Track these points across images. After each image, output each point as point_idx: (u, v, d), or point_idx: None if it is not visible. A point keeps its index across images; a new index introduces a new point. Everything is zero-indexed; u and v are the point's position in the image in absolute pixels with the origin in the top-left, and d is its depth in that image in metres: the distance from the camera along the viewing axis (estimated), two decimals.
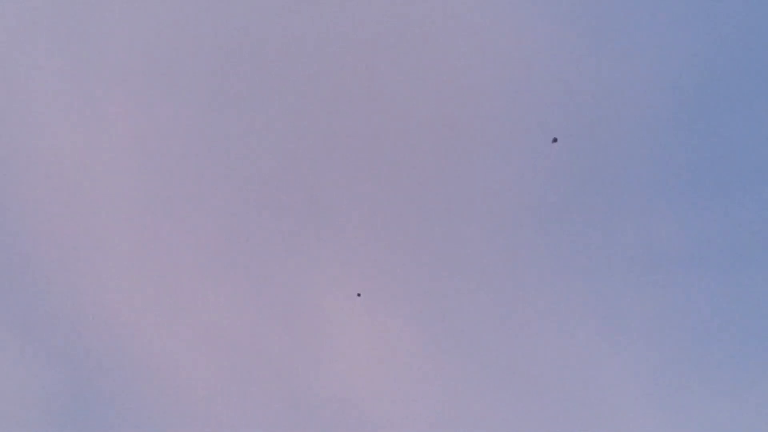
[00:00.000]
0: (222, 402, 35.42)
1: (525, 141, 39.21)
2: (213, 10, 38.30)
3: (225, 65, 38.64)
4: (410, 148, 39.07)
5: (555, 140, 35.75)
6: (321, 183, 39.02)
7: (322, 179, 38.97)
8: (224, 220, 38.30)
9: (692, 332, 36.97)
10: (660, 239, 38.29)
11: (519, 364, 36.66)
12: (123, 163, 39.02)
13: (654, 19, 38.55)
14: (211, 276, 38.14)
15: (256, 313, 37.95)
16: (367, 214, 38.98)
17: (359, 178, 39.32)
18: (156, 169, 39.34)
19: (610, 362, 36.98)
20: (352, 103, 39.19)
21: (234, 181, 39.11)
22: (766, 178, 38.15)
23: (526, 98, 39.06)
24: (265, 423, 35.34)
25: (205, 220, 38.61)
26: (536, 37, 38.54)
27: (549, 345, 36.89)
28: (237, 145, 39.71)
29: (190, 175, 39.52)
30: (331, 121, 39.10)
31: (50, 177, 38.81)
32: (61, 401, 35.54)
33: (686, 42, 38.77)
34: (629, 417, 35.98)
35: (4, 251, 37.50)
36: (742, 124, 39.23)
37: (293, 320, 37.67)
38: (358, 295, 35.94)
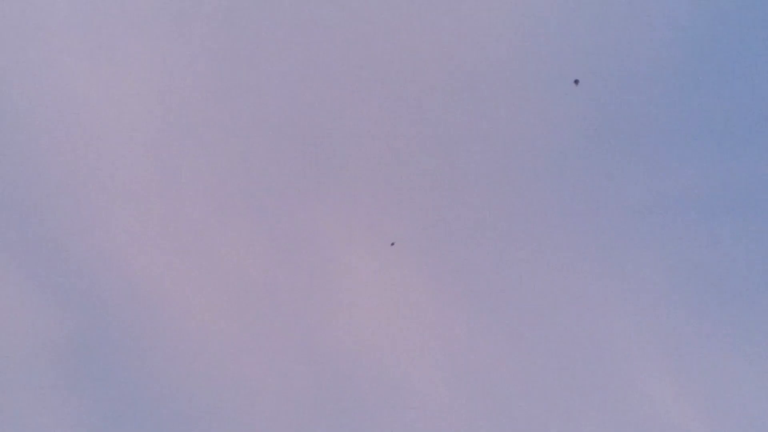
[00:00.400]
0: (232, 350, 35.57)
1: (542, 87, 38.64)
2: None
3: (237, 10, 38.06)
4: (426, 94, 38.52)
5: (576, 82, 35.12)
6: (339, 128, 38.64)
7: (341, 123, 38.60)
8: (241, 164, 38.04)
9: (703, 282, 36.85)
10: (673, 187, 37.92)
11: (531, 315, 36.72)
12: (133, 103, 38.64)
13: None
14: (226, 221, 38.03)
15: (270, 260, 37.91)
16: (383, 163, 38.63)
17: (377, 125, 38.89)
18: (167, 108, 38.99)
19: (621, 313, 36.98)
20: (368, 46, 38.62)
21: (249, 123, 38.77)
22: None
23: (542, 42, 38.37)
24: (277, 371, 35.52)
25: (219, 163, 38.35)
26: None
27: (560, 296, 36.84)
28: (251, 85, 39.28)
29: (202, 115, 39.18)
30: (350, 62, 38.52)
31: (58, 117, 38.52)
32: (68, 343, 35.72)
33: None
34: (637, 367, 36.05)
35: (11, 190, 37.35)
36: (758, 72, 38.54)
37: (307, 268, 37.62)
38: (392, 244, 35.80)
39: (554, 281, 36.77)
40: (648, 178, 37.86)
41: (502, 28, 38.27)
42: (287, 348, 36.13)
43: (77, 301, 36.17)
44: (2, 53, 37.60)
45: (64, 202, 37.36)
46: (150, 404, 34.70)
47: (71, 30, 38.36)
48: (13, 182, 37.31)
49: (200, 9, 37.27)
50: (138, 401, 35.00)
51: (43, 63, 38.51)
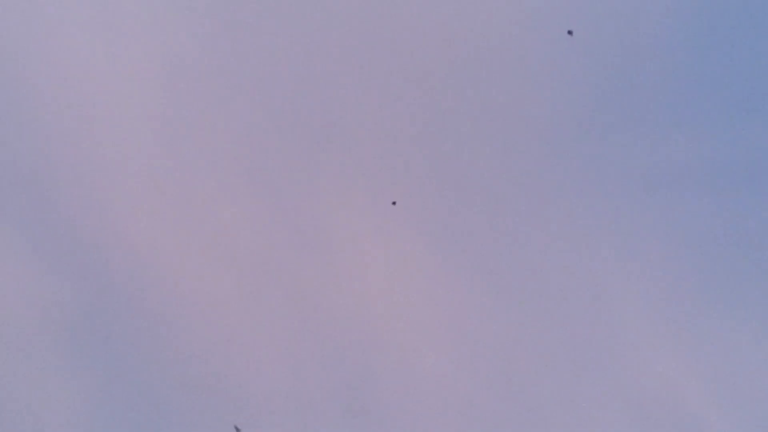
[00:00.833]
0: (232, 316, 35.38)
1: (544, 62, 38.37)
2: None
3: None
4: (424, 58, 38.22)
5: (570, 33, 34.59)
6: (336, 94, 38.30)
7: (340, 82, 38.27)
8: (238, 124, 37.66)
9: (706, 255, 36.90)
10: (676, 158, 37.87)
11: (534, 287, 36.60)
12: (135, 78, 38.19)
13: None
14: (226, 186, 37.66)
15: (271, 227, 37.61)
16: (384, 127, 38.35)
17: (376, 92, 38.55)
18: (171, 83, 38.57)
19: (626, 288, 36.95)
20: (368, 21, 38.29)
21: (246, 88, 38.37)
22: None
23: (543, 14, 38.15)
24: (278, 340, 35.38)
25: (219, 130, 37.97)
26: None
27: (561, 267, 36.76)
28: (252, 59, 38.91)
29: (205, 89, 38.82)
30: (350, 29, 38.12)
31: (60, 90, 38.11)
32: (71, 314, 35.50)
33: None
34: (643, 343, 36.16)
35: (11, 161, 37.02)
36: (764, 46, 38.43)
37: (305, 228, 37.29)
38: (393, 203, 35.24)
39: (558, 254, 36.64)
40: (652, 152, 37.74)
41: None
42: (286, 313, 35.92)
43: (77, 271, 35.83)
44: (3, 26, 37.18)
45: (65, 173, 36.92)
46: (151, 375, 34.54)
47: (74, 7, 37.93)
48: (13, 153, 36.89)
49: None
50: (139, 372, 34.83)
51: (45, 38, 38.09)
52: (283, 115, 38.79)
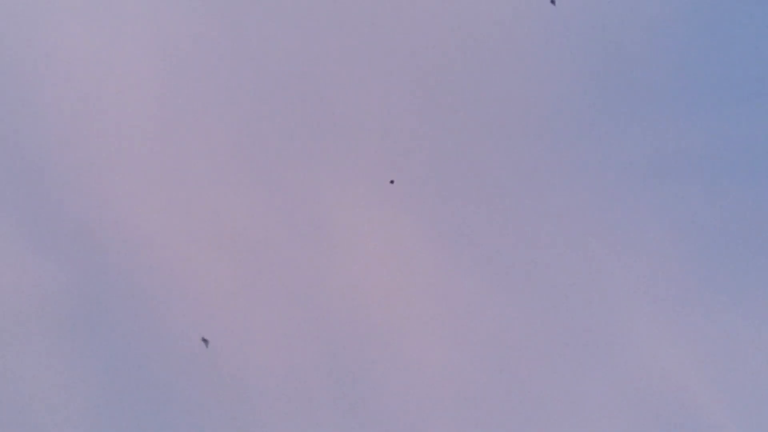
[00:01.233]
0: (228, 296, 35.32)
1: (543, 47, 38.44)
2: None
3: None
4: (422, 41, 38.25)
5: (553, 2, 34.50)
6: (333, 80, 38.34)
7: (335, 77, 38.29)
8: (236, 113, 37.67)
9: (705, 241, 36.92)
10: (674, 147, 37.92)
11: (532, 274, 36.59)
12: (130, 58, 38.18)
13: None
14: (223, 170, 37.66)
15: (268, 214, 37.60)
16: (382, 110, 38.37)
17: (373, 73, 38.56)
18: (169, 67, 38.57)
19: (622, 272, 36.96)
20: (365, 8, 38.36)
21: (243, 64, 38.37)
22: None
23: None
24: (273, 318, 35.34)
25: (214, 113, 37.97)
26: None
27: (557, 254, 36.77)
28: (250, 42, 38.93)
29: (201, 76, 38.82)
30: (347, 17, 38.19)
31: (56, 73, 38.10)
32: (66, 299, 35.41)
33: None
34: (638, 326, 36.15)
35: (6, 144, 36.94)
36: (764, 26, 38.49)
37: (302, 206, 37.27)
38: (392, 182, 35.17)
39: (557, 244, 36.69)
40: (649, 137, 37.81)
41: None
42: (283, 300, 35.89)
43: (73, 253, 35.79)
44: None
45: (61, 155, 36.92)
46: (147, 357, 34.47)
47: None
48: (9, 135, 36.85)
49: None
50: (135, 354, 34.74)
51: (41, 20, 38.09)
52: (280, 101, 38.87)
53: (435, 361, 35.12)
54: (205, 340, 32.70)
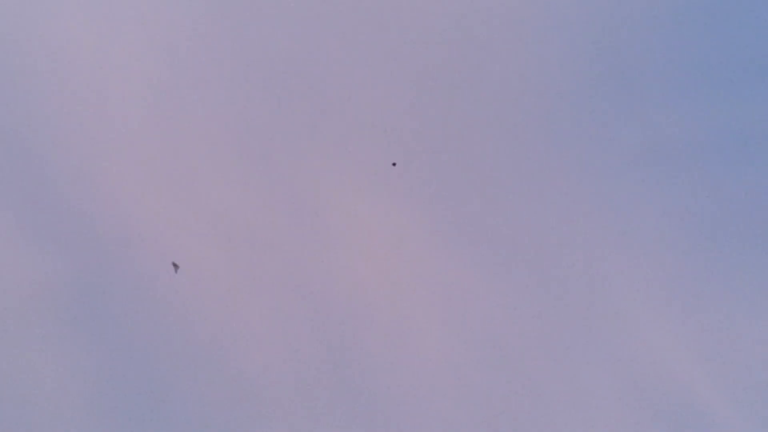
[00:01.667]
0: (228, 285, 35.41)
1: (537, 33, 38.44)
2: None
3: None
4: (422, 34, 38.33)
5: None
6: (328, 65, 38.40)
7: (330, 61, 38.32)
8: (232, 102, 37.75)
9: (699, 228, 36.78)
10: (667, 133, 37.82)
11: (526, 259, 36.52)
12: (129, 47, 38.41)
13: None
14: (222, 164, 37.78)
15: (267, 200, 37.65)
16: (383, 101, 38.43)
17: (372, 64, 38.63)
18: (162, 51, 38.73)
19: (617, 259, 36.91)
20: None
21: (242, 52, 38.46)
22: None
23: None
24: (273, 309, 35.39)
25: (211, 102, 38.08)
26: None
27: (555, 242, 36.72)
28: (247, 34, 39.07)
29: (195, 53, 38.86)
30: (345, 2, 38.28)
31: (53, 61, 38.33)
32: (64, 290, 35.56)
33: None
34: (633, 313, 36.04)
35: (11, 137, 37.21)
36: (757, 16, 38.40)
37: (303, 191, 37.29)
38: (394, 164, 35.28)
39: (555, 225, 36.64)
40: (642, 124, 37.74)
41: None
42: (284, 283, 35.99)
43: (74, 245, 35.95)
44: None
45: (60, 146, 37.14)
46: (147, 349, 34.57)
47: None
48: (8, 129, 37.09)
49: None
50: (135, 346, 34.84)
51: (39, 15, 38.33)
52: (279, 92, 38.92)
53: (435, 353, 35.10)
54: (175, 265, 32.64)
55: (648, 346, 35.08)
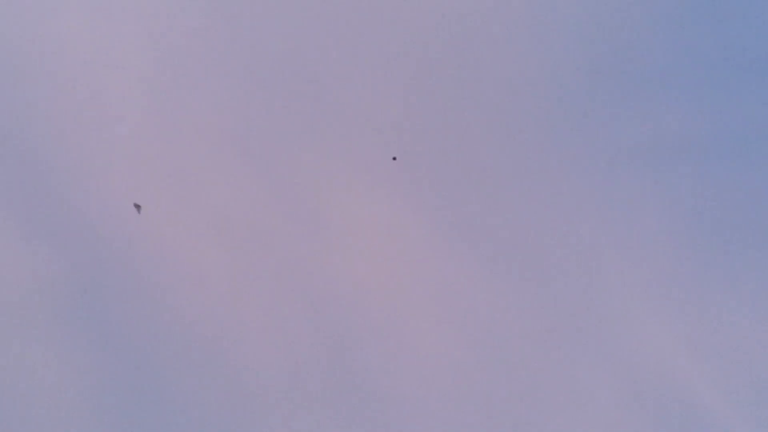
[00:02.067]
0: (224, 290, 35.25)
1: (536, 30, 38.12)
2: None
3: None
4: (421, 33, 38.03)
5: None
6: (325, 62, 38.12)
7: (326, 58, 38.05)
8: (230, 100, 37.51)
9: (698, 225, 36.63)
10: (667, 130, 37.57)
11: (526, 257, 36.38)
12: (126, 41, 38.08)
13: None
14: (216, 157, 37.55)
15: (263, 195, 37.47)
16: (377, 92, 38.15)
17: (369, 56, 38.33)
18: (160, 45, 38.41)
19: (616, 257, 36.71)
20: None
21: (239, 46, 38.18)
22: None
23: None
24: (271, 306, 35.27)
25: (208, 100, 37.85)
26: None
27: (555, 238, 36.54)
28: (243, 28, 38.74)
29: (192, 48, 38.60)
30: None
31: (49, 55, 37.99)
32: (62, 286, 35.44)
33: None
34: (632, 310, 35.93)
35: (5, 133, 36.93)
36: (757, 13, 38.07)
37: (302, 186, 37.08)
38: (394, 158, 34.96)
39: (553, 222, 36.43)
40: (643, 122, 37.45)
41: None
42: (282, 281, 35.83)
43: (71, 243, 35.80)
44: None
45: (58, 141, 36.89)
46: (143, 348, 34.50)
47: None
48: (4, 124, 36.82)
49: None
50: (131, 346, 34.78)
51: (33, 6, 38.03)
52: (276, 87, 38.70)
53: (434, 351, 34.98)
54: (137, 206, 32.27)
55: (648, 345, 34.96)
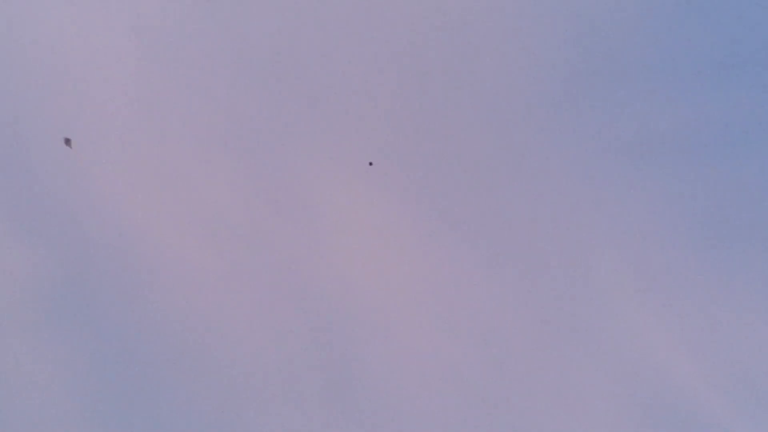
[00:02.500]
0: (215, 289, 35.17)
1: (533, 28, 38.23)
2: None
3: None
4: (414, 28, 38.16)
5: None
6: (317, 62, 38.28)
7: (318, 56, 38.19)
8: (223, 101, 37.65)
9: (695, 221, 36.48)
10: (664, 126, 37.54)
11: (521, 255, 36.21)
12: (115, 43, 38.34)
13: None
14: (208, 155, 37.61)
15: (253, 194, 37.46)
16: (366, 89, 38.22)
17: (363, 56, 38.47)
18: (149, 47, 38.68)
19: (612, 253, 36.53)
20: None
21: (227, 51, 38.35)
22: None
23: None
24: (261, 309, 35.14)
25: (201, 101, 37.99)
26: None
27: (546, 233, 36.43)
28: (233, 30, 38.98)
29: (182, 50, 38.82)
30: None
31: (39, 58, 38.25)
32: (54, 287, 35.39)
33: None
34: (628, 307, 35.67)
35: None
36: (754, 9, 38.11)
37: (283, 191, 37.13)
38: (370, 164, 35.21)
39: (545, 219, 36.34)
40: (637, 119, 37.47)
41: None
42: (275, 281, 35.80)
43: (64, 245, 35.82)
44: None
45: (50, 146, 37.03)
46: (137, 348, 34.35)
47: None
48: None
49: None
50: (125, 346, 34.66)
51: (30, 7, 38.32)
52: (266, 89, 38.82)
53: (429, 350, 34.81)
54: (67, 140, 31.81)
55: (646, 344, 34.72)
